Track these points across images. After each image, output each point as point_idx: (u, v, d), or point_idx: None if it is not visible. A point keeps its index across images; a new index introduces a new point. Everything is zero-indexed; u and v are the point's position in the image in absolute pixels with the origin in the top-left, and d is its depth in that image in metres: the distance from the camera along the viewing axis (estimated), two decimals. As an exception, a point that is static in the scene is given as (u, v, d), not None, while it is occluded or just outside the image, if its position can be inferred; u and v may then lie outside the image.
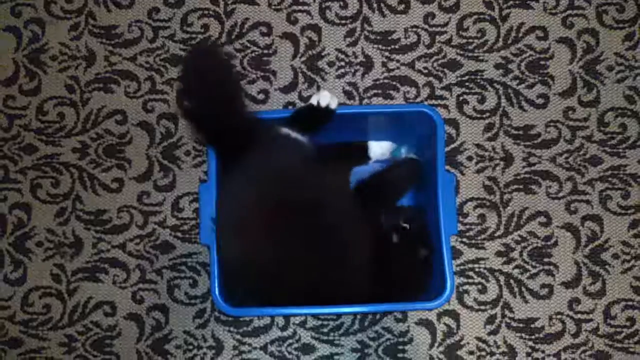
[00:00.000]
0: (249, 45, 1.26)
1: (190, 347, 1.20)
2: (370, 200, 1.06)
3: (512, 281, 1.20)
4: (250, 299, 1.02)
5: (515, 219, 1.22)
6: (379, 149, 1.17)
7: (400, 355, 1.19)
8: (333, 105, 1.03)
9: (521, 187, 1.22)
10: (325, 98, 1.02)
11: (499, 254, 1.21)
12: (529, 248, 1.21)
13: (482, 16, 1.26)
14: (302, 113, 1.04)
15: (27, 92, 1.26)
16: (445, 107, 1.24)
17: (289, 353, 1.19)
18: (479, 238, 1.21)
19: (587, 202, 1.22)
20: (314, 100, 1.03)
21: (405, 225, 1.06)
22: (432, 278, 1.06)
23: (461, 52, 1.26)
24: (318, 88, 1.25)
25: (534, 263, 1.21)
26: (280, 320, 1.20)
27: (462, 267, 1.21)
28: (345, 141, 1.17)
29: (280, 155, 1.01)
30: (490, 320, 1.20)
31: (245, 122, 1.02)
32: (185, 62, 1.09)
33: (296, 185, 0.98)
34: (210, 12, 1.27)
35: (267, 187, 0.97)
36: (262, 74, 1.26)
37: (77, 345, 1.21)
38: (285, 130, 1.02)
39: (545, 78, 1.25)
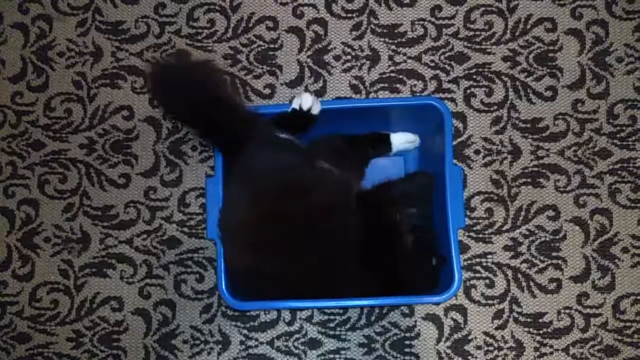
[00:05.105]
0: (255, 39, 1.26)
1: (197, 342, 1.20)
2: (374, 206, 1.04)
3: (520, 275, 1.20)
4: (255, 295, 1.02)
5: (523, 212, 1.21)
6: (400, 139, 1.14)
7: (407, 350, 1.19)
8: (315, 111, 1.03)
9: (529, 180, 1.21)
10: (307, 101, 1.02)
11: (506, 248, 1.20)
12: (537, 242, 1.20)
13: (489, 8, 1.25)
14: (286, 117, 1.04)
15: (35, 88, 1.27)
16: (453, 100, 1.23)
17: (296, 348, 1.19)
18: (487, 232, 1.21)
19: (596, 195, 1.21)
20: (295, 104, 1.03)
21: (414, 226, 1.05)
22: (439, 279, 1.06)
23: (468, 45, 1.25)
24: (324, 82, 1.25)
25: (542, 257, 1.20)
26: (287, 315, 1.20)
27: (469, 261, 1.20)
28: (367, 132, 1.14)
29: (275, 154, 1.00)
30: (498, 315, 1.19)
31: (239, 119, 1.02)
32: (153, 80, 1.06)
33: (292, 182, 0.98)
34: (217, 7, 1.27)
35: (264, 186, 0.97)
36: (268, 68, 1.25)
37: (85, 341, 1.21)
38: (277, 131, 1.02)
39: (554, 70, 1.24)
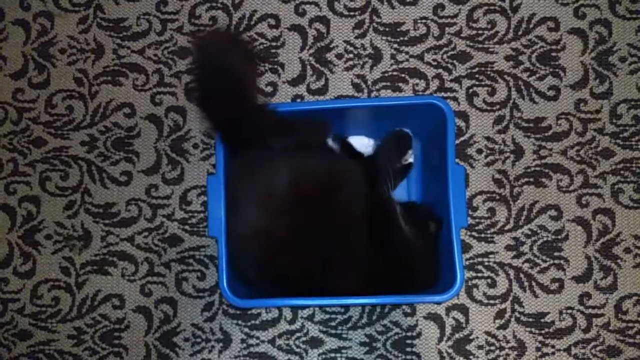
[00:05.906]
0: (257, 37, 1.26)
1: (199, 340, 1.20)
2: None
3: (522, 275, 1.19)
4: (259, 283, 1.02)
5: (525, 212, 1.20)
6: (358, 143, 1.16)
7: (408, 349, 1.18)
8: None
9: (531, 180, 1.21)
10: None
11: (508, 247, 1.20)
12: (539, 242, 1.20)
13: (492, 7, 1.25)
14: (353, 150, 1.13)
15: (36, 85, 1.27)
16: (455, 99, 1.23)
17: (297, 346, 1.19)
18: (489, 232, 1.20)
19: (599, 195, 1.21)
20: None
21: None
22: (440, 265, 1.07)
23: (471, 44, 1.24)
24: (326, 80, 1.24)
25: (544, 257, 1.20)
26: (288, 314, 1.20)
27: (471, 261, 1.20)
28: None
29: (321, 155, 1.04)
30: (500, 314, 1.19)
31: (258, 111, 1.02)
32: (199, 48, 1.04)
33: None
34: (219, 4, 1.27)
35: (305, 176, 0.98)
36: (270, 66, 1.25)
37: (86, 338, 1.21)
38: (334, 145, 1.08)
39: (557, 70, 1.23)
